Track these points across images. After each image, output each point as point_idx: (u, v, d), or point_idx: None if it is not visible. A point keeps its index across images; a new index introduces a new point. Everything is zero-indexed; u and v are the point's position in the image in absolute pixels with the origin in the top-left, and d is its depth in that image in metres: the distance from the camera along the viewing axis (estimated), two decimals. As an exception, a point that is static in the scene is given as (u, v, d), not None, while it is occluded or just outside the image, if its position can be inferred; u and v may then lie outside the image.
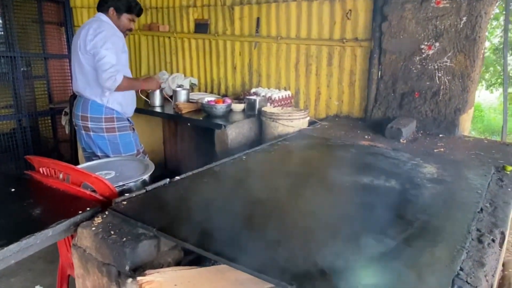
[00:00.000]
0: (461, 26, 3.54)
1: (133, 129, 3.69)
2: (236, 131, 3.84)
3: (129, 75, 3.53)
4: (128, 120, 3.66)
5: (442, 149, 3.28)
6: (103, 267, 1.73)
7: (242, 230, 1.66)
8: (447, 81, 3.69)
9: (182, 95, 4.31)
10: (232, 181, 2.42)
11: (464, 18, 3.51)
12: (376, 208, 2.09)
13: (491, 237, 1.80)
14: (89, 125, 3.44)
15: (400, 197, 2.23)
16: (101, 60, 3.16)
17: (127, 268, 1.66)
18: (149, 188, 2.20)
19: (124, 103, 3.55)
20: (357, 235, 1.67)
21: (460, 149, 3.21)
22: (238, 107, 4.09)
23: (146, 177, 2.56)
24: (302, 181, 2.42)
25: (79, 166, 2.73)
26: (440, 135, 3.58)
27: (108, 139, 3.48)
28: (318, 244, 1.64)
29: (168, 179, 2.33)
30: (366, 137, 3.61)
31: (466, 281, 1.39)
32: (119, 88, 3.29)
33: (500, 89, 11.17)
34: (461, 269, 1.52)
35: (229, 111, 4.01)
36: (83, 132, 3.47)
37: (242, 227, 1.71)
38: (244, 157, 2.88)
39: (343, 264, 1.42)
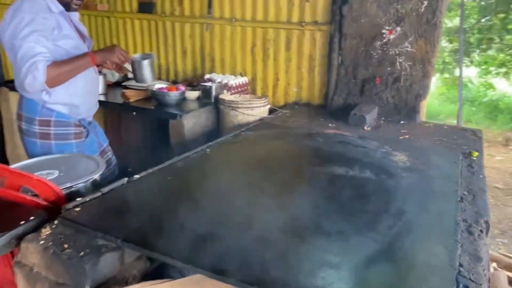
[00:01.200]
0: (422, 10, 3.57)
1: (86, 135, 2.92)
2: (192, 121, 3.61)
3: None
4: (81, 124, 2.90)
5: (407, 136, 3.31)
6: (57, 287, 1.49)
7: (218, 233, 1.49)
8: (408, 66, 3.72)
9: (146, 69, 3.20)
10: (200, 178, 2.23)
11: (426, 2, 3.54)
12: (358, 201, 2.00)
13: (479, 228, 1.79)
14: (22, 126, 2.78)
15: (379, 188, 2.17)
16: (17, 55, 2.39)
17: (87, 287, 1.43)
18: (105, 190, 1.95)
19: (74, 102, 2.78)
20: (345, 233, 1.57)
21: (424, 135, 3.25)
22: (192, 94, 3.86)
23: (97, 176, 2.29)
24: (275, 174, 2.29)
25: (13, 166, 2.38)
26: (402, 122, 3.61)
27: (41, 146, 2.75)
28: (306, 248, 1.51)
29: (126, 179, 2.09)
30: (330, 125, 3.55)
31: (470, 279, 1.33)
32: (50, 83, 2.49)
33: (437, 74, 11.80)
34: (461, 265, 1.47)
35: (183, 99, 3.77)
36: (19, 133, 2.85)
37: (218, 231, 1.53)
38: (207, 150, 2.68)
39: (335, 269, 1.30)
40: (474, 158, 2.81)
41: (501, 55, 11.66)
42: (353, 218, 1.78)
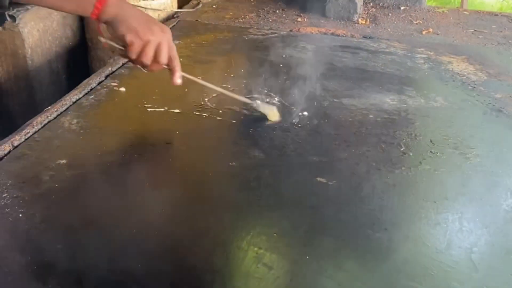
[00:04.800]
0: None
1: None
2: (40, 28, 1.93)
3: None
4: None
5: (430, 30, 2.17)
6: None
7: None
8: None
9: None
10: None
11: None
12: None
13: None
14: None
15: None
16: None
17: None
18: None
19: None
20: None
21: (449, 25, 2.38)
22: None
23: None
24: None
25: None
26: (402, 7, 2.43)
27: None
28: None
29: None
30: (299, 19, 2.24)
31: None
32: None
33: None
34: None
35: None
36: None
37: None
38: (114, 83, 1.18)
39: None
40: None
41: None
42: None
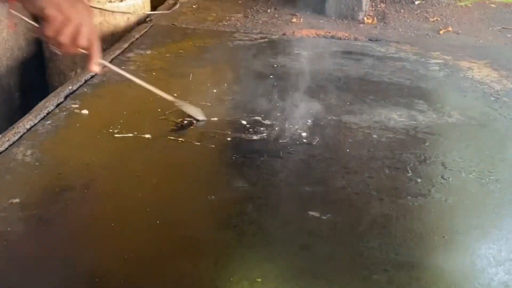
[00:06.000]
0: None
1: None
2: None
3: None
4: None
5: (449, 28, 2.30)
6: None
7: None
8: None
9: None
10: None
11: None
12: None
13: None
14: None
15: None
16: None
17: None
18: None
19: None
20: None
21: (471, 22, 2.50)
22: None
23: None
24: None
25: None
26: (416, 1, 2.71)
27: None
28: None
29: None
30: (293, 20, 2.41)
31: None
32: None
33: None
34: None
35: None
36: None
37: None
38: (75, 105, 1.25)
39: None
40: None
41: None
42: None
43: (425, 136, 1.29)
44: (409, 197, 1.03)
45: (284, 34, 2.11)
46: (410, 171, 1.13)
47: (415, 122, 1.35)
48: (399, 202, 1.01)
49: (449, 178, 1.11)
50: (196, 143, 1.20)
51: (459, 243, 0.92)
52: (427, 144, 1.25)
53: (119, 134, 1.23)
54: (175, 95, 1.28)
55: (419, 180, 1.09)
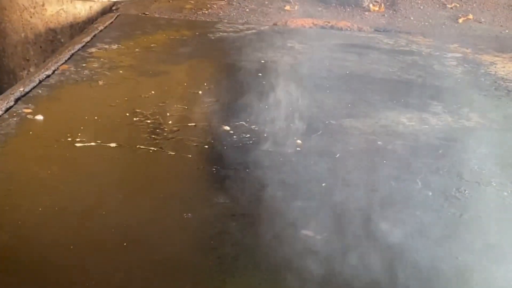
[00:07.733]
0: None
1: None
2: None
3: None
4: None
5: (470, 16, 2.39)
6: None
7: None
8: None
9: None
10: None
11: None
12: None
13: None
14: None
15: None
16: None
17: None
18: None
19: None
20: None
21: (497, 9, 2.59)
22: None
23: None
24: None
25: None
26: None
27: None
28: None
29: None
30: (287, 7, 2.59)
31: None
32: None
33: None
34: None
35: None
36: None
37: None
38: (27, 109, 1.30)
39: None
40: None
41: None
42: None
43: (438, 142, 1.35)
44: (417, 213, 1.08)
45: (275, 24, 2.19)
46: (419, 183, 1.17)
47: (427, 127, 1.41)
48: (404, 219, 1.06)
49: (465, 190, 1.16)
50: (170, 153, 1.25)
51: (473, 265, 0.96)
52: (440, 152, 1.30)
53: (80, 143, 1.27)
54: (147, 96, 1.32)
55: (430, 193, 1.15)
